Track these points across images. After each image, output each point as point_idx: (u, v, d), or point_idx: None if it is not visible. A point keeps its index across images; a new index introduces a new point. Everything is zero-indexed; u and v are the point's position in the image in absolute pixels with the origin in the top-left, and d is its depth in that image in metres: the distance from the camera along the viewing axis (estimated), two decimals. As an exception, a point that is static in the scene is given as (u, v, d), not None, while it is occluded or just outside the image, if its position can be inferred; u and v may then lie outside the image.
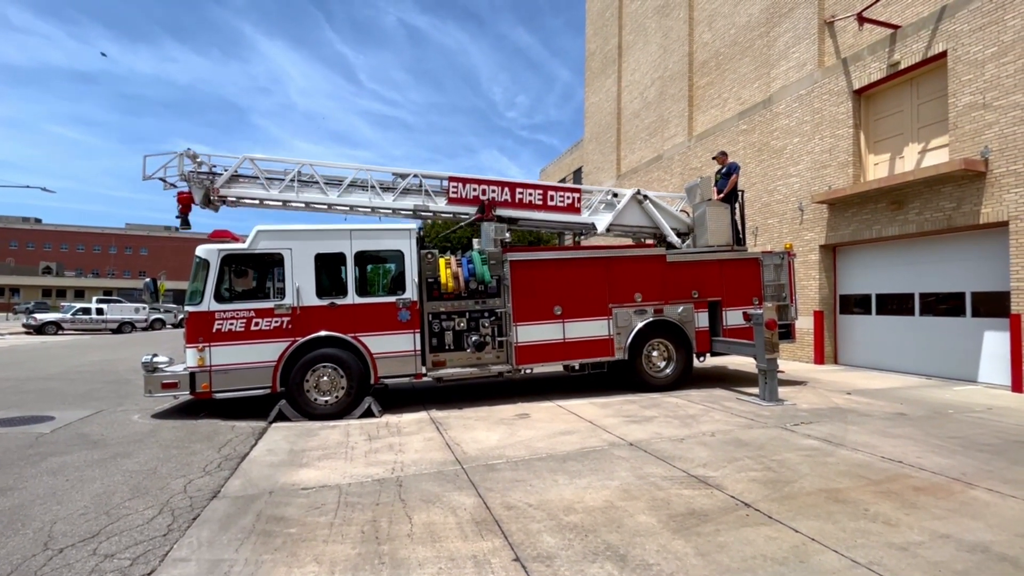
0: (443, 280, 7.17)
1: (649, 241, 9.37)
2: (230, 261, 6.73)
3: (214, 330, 6.47)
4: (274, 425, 6.34)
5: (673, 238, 8.93)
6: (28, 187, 30.10)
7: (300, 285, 6.72)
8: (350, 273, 6.95)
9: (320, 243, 6.90)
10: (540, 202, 8.51)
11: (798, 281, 10.09)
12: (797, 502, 3.62)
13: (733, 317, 8.30)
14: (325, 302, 6.80)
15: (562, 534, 3.21)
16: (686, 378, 8.16)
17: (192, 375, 6.44)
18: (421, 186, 8.13)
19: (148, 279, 7.43)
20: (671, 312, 8.02)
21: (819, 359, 10.86)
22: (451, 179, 8.17)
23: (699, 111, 14.96)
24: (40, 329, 26.01)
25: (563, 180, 27.65)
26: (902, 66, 9.24)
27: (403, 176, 8.09)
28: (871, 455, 4.62)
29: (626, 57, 19.01)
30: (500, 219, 8.32)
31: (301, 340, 6.66)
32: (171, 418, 6.71)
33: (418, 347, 7.05)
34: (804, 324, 10.80)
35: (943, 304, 9.03)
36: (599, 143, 21.01)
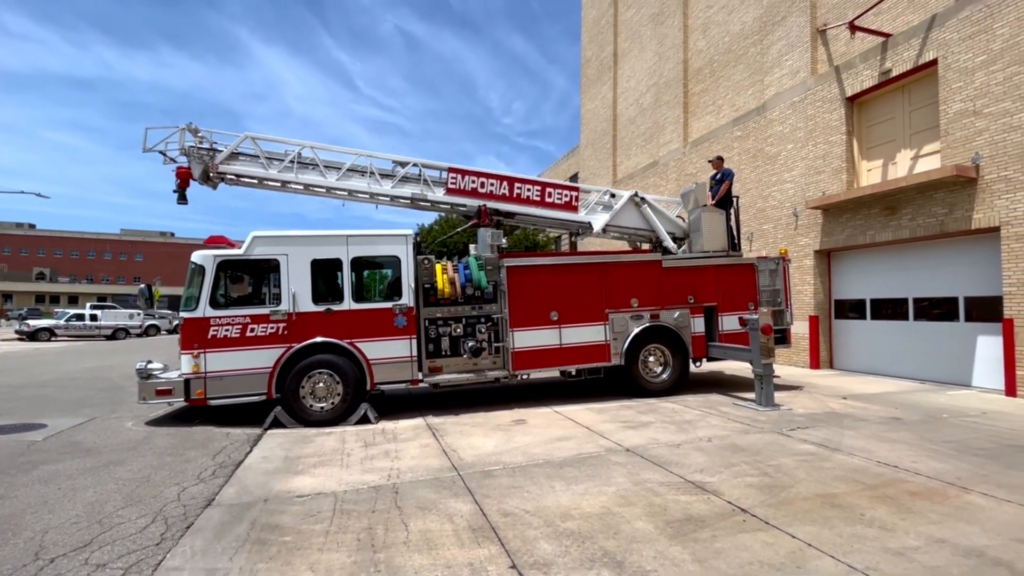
0: (440, 286, 7.17)
1: (645, 246, 9.40)
2: (226, 267, 6.71)
3: (209, 336, 6.44)
4: (269, 432, 6.30)
5: (669, 243, 8.96)
6: (23, 192, 30.05)
7: (296, 291, 6.71)
8: (346, 279, 6.94)
9: (316, 249, 6.89)
10: (538, 198, 8.53)
11: (793, 286, 10.13)
12: (794, 507, 3.62)
13: (729, 322, 8.32)
14: (321, 308, 6.79)
15: (559, 541, 3.20)
16: (682, 383, 8.16)
17: (187, 381, 6.40)
18: (420, 175, 8.13)
19: (143, 285, 7.39)
20: (667, 317, 8.04)
21: (815, 364, 10.90)
22: (450, 170, 8.19)
23: (694, 117, 15.07)
24: (33, 335, 25.78)
25: (559, 186, 27.67)
26: (893, 74, 9.35)
27: (403, 164, 8.10)
28: (867, 460, 4.63)
29: (622, 64, 19.16)
30: (497, 212, 8.35)
31: (297, 346, 6.63)
32: (165, 425, 6.66)
33: (414, 353, 7.04)
34: (800, 329, 10.84)
35: (937, 309, 9.09)
36: (595, 149, 21.12)
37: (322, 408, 6.69)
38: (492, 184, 8.30)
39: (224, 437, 6.02)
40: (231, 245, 7.01)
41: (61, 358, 16.47)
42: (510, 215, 8.49)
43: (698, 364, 8.69)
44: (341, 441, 5.85)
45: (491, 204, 8.27)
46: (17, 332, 26.98)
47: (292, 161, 7.72)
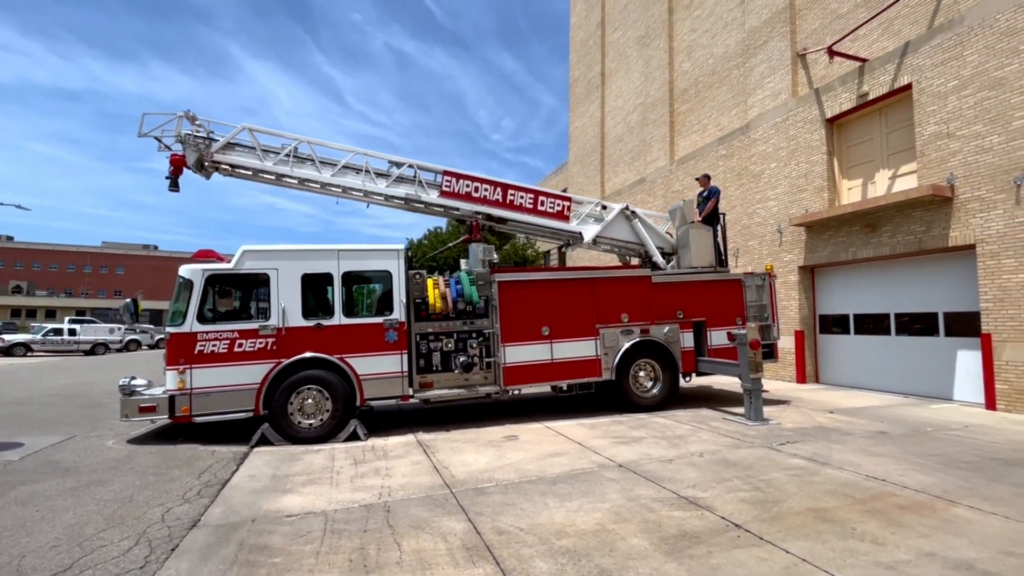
0: (431, 300, 7.16)
1: (634, 261, 9.52)
2: (214, 281, 6.63)
3: (196, 351, 6.33)
4: (256, 449, 6.17)
5: (658, 257, 9.08)
6: (2, 204, 29.31)
7: (286, 305, 6.64)
8: (337, 293, 6.90)
9: (307, 263, 6.85)
10: (530, 206, 8.61)
11: (779, 301, 10.31)
12: (786, 522, 3.64)
13: (717, 337, 8.42)
14: (311, 323, 6.72)
15: (554, 559, 3.17)
16: (673, 398, 8.21)
17: (171, 398, 6.26)
18: (415, 176, 8.16)
19: (128, 300, 7.25)
20: (657, 332, 8.11)
21: (801, 378, 11.04)
22: (445, 173, 8.25)
23: (680, 136, 15.41)
24: (8, 351, 25.04)
25: (548, 201, 27.93)
26: (871, 97, 9.70)
27: (399, 165, 8.14)
28: (856, 474, 4.69)
29: (609, 84, 19.57)
30: (489, 217, 8.42)
31: (286, 361, 6.54)
32: (148, 443, 6.48)
33: (405, 368, 6.98)
34: (786, 344, 11.00)
35: (917, 324, 9.31)
36: (584, 166, 21.42)
37: (311, 425, 6.58)
38: (486, 189, 8.37)
39: (209, 455, 5.88)
40: (220, 259, 6.94)
41: (38, 374, 15.98)
42: (502, 221, 8.59)
43: (688, 379, 8.75)
44: (330, 458, 5.75)
45: (484, 209, 8.34)
46: (-9, 347, 26.15)
47: (288, 155, 7.74)
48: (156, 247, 77.13)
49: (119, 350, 28.49)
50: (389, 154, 8.23)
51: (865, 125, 10.24)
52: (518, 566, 3.09)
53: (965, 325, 8.46)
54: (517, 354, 7.46)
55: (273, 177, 7.82)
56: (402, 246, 7.28)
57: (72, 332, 26.78)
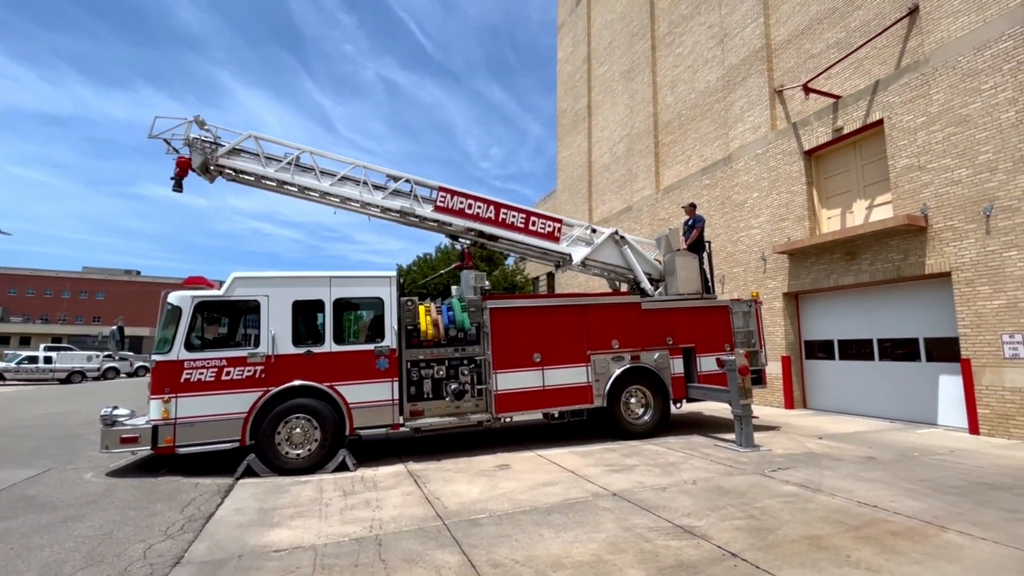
0: (423, 327, 7.16)
1: (623, 288, 9.64)
2: (203, 308, 6.56)
3: (182, 380, 6.21)
4: (241, 481, 6.00)
5: (646, 284, 9.22)
6: (-20, 229, 28.69)
7: (276, 333, 6.59)
8: (328, 320, 6.86)
9: (298, 290, 6.83)
10: (522, 225, 8.78)
11: (765, 328, 10.48)
12: (782, 550, 3.64)
13: (707, 363, 8.50)
14: (301, 350, 6.66)
15: (552, 591, 3.12)
16: (664, 424, 8.21)
17: (155, 428, 6.09)
18: (411, 191, 8.35)
19: (114, 327, 7.12)
20: (648, 358, 8.17)
21: (789, 404, 11.13)
22: (441, 189, 8.42)
23: (665, 166, 15.86)
24: (-22, 380, 24.13)
25: (537, 228, 28.25)
26: (845, 131, 10.15)
27: (396, 178, 8.34)
28: (847, 500, 4.72)
29: (595, 115, 20.17)
30: (481, 235, 8.57)
31: (275, 390, 6.44)
32: (128, 476, 6.28)
33: (396, 396, 6.91)
34: (773, 369, 11.12)
35: (900, 349, 9.51)
36: (571, 194, 21.83)
37: (298, 455, 6.44)
38: (479, 207, 8.54)
39: (193, 488, 5.71)
40: (210, 286, 6.89)
41: (11, 403, 15.40)
42: (494, 238, 8.73)
43: (678, 405, 8.78)
44: (319, 490, 5.62)
45: (476, 226, 8.49)
46: (-40, 376, 25.19)
47: (290, 163, 7.94)
48: (139, 272, 75.79)
49: (96, 378, 27.64)
50: (387, 168, 8.44)
51: (841, 157, 10.67)
52: (515, 600, 3.03)
53: (945, 351, 8.67)
54: (509, 381, 7.44)
55: (275, 184, 7.98)
56: (394, 273, 7.31)
57: (48, 360, 25.99)
